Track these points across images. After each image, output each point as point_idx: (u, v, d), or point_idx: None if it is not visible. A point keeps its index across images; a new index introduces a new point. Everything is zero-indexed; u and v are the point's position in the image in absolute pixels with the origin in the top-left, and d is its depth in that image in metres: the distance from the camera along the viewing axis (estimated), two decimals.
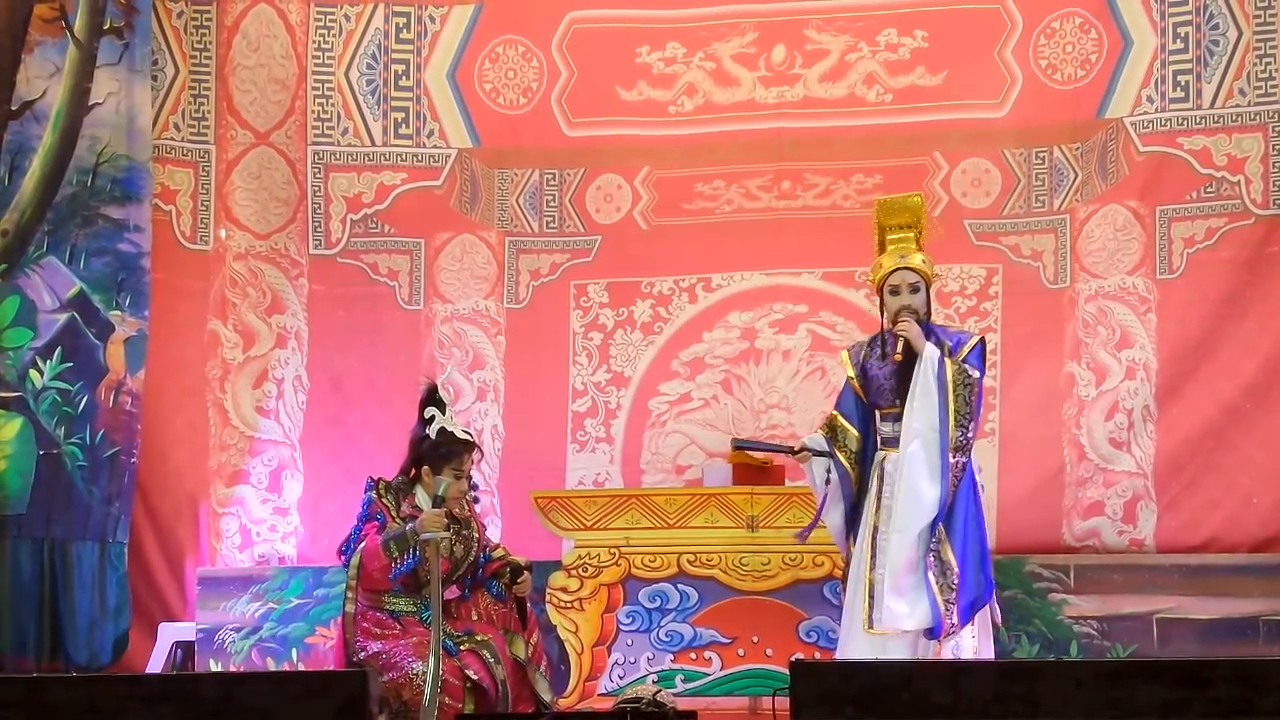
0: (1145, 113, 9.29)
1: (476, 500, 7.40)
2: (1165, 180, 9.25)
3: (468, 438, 7.19)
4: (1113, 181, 9.33)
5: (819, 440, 7.29)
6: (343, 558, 7.08)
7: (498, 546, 7.37)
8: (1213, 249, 9.17)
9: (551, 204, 9.76)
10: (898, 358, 7.14)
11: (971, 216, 9.48)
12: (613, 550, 8.32)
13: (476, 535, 7.22)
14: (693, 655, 8.29)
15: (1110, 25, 9.36)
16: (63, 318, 9.18)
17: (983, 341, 7.26)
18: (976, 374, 7.11)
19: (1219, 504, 9.04)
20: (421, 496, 7.10)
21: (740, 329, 9.63)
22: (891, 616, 6.99)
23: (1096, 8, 9.38)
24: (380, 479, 7.15)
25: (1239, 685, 5.06)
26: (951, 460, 7.02)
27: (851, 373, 7.32)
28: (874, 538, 7.13)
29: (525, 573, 7.19)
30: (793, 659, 6.64)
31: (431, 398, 7.20)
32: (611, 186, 9.76)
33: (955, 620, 6.96)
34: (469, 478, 7.20)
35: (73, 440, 9.10)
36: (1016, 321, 9.44)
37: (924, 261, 7.24)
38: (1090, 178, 9.37)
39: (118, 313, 9.22)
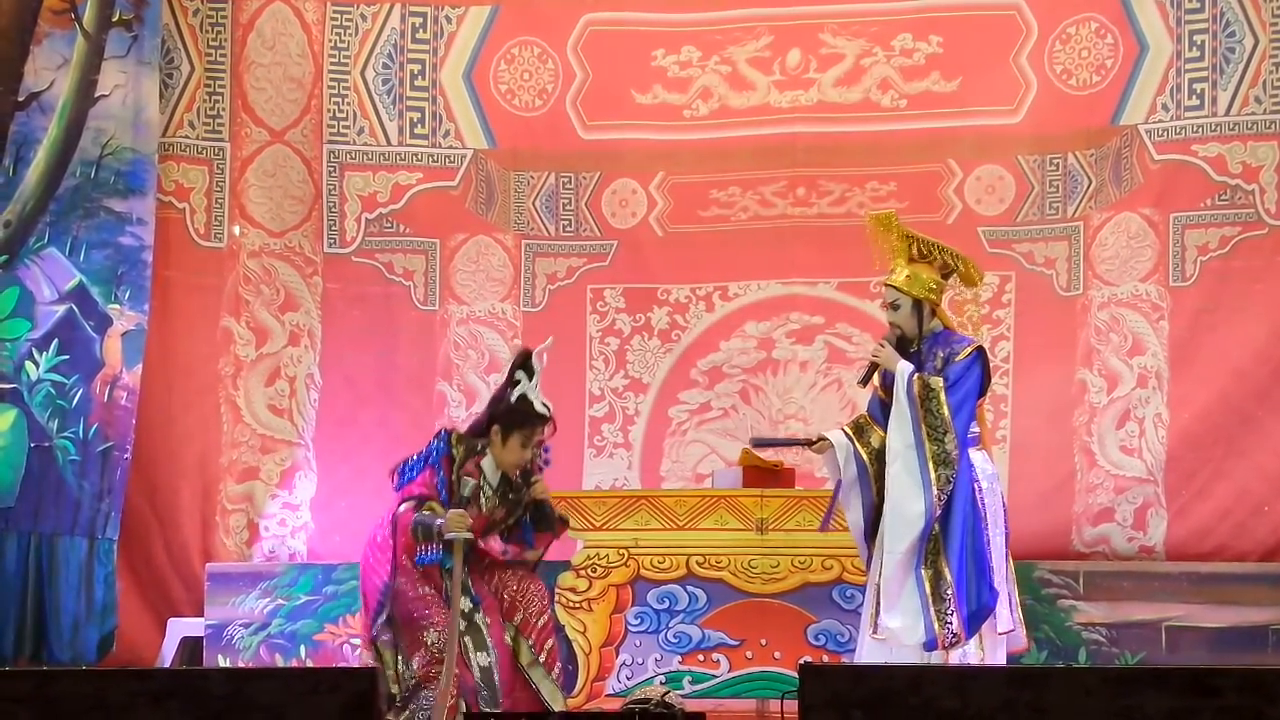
0: (1160, 120, 9.28)
1: (547, 463, 7.25)
2: (1179, 187, 9.24)
3: (545, 411, 7.12)
4: (1127, 189, 9.32)
5: (839, 436, 7.29)
6: (395, 480, 6.98)
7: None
8: (1226, 258, 9.16)
9: (568, 207, 9.77)
10: (859, 385, 7.35)
11: (985, 223, 9.48)
12: (622, 551, 8.32)
13: (525, 500, 7.10)
14: (701, 657, 8.28)
15: (1126, 31, 9.34)
16: (61, 310, 9.18)
17: (979, 350, 7.21)
18: (939, 382, 7.08)
19: (1230, 511, 9.03)
20: (489, 463, 7.03)
21: (757, 339, 9.64)
22: (887, 632, 7.03)
23: (1113, 13, 9.37)
24: (454, 430, 7.08)
25: (1248, 694, 5.04)
26: (934, 474, 7.03)
27: (877, 381, 7.34)
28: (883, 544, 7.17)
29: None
30: (801, 662, 6.64)
31: (524, 363, 7.12)
32: (627, 191, 9.76)
33: (957, 631, 6.97)
34: (538, 448, 7.08)
35: (65, 434, 9.09)
36: (1029, 329, 9.42)
37: (908, 278, 7.23)
38: (1104, 185, 9.35)
39: (116, 306, 9.21)
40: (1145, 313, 9.25)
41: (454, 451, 6.97)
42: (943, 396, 7.07)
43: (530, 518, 7.09)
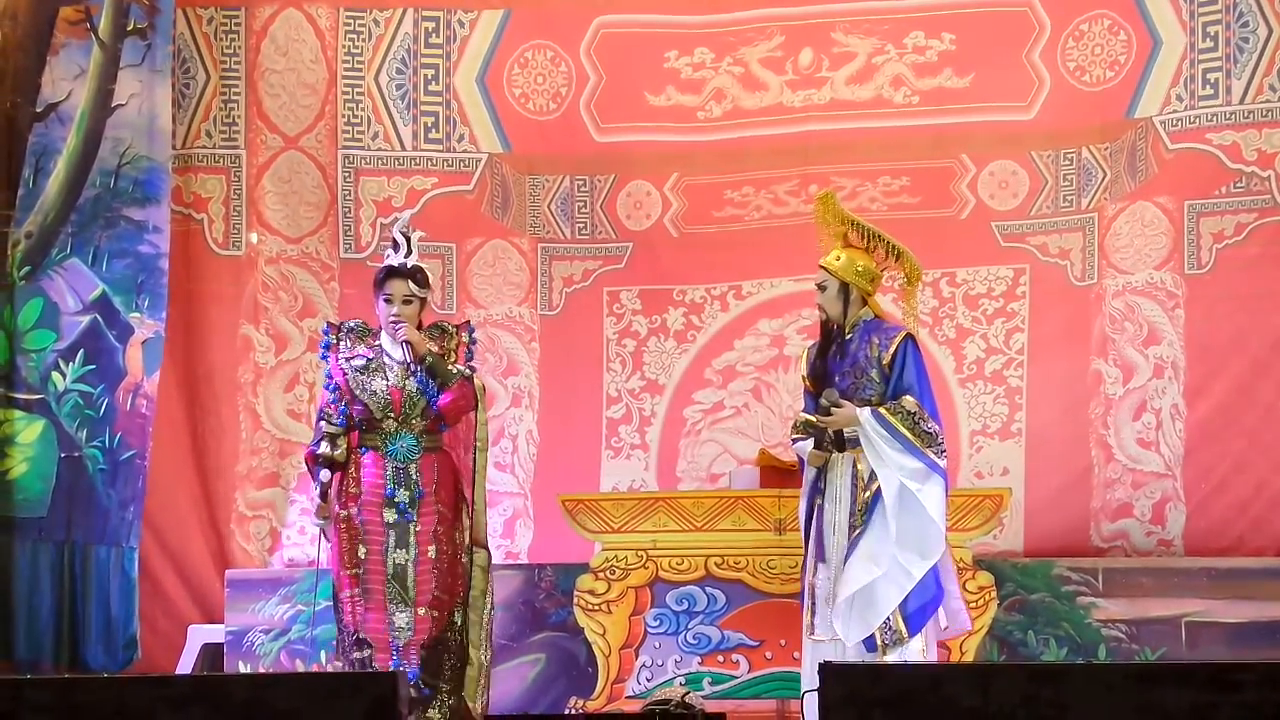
0: (1175, 111, 9.27)
1: (473, 369, 7.31)
2: (1194, 175, 9.23)
3: (394, 263, 7.26)
4: (1141, 180, 9.32)
5: (802, 445, 7.26)
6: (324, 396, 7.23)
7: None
8: (1241, 245, 9.15)
9: (583, 210, 9.77)
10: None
11: (999, 218, 9.48)
12: (640, 553, 8.32)
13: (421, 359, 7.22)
14: (720, 658, 8.29)
15: (1139, 25, 9.34)
16: (85, 320, 9.21)
17: (909, 337, 7.15)
18: (910, 400, 6.99)
19: (1248, 505, 9.01)
20: (387, 341, 7.22)
21: (770, 336, 9.64)
22: (829, 633, 7.00)
23: (1125, 9, 9.36)
24: (340, 324, 7.35)
25: (1269, 689, 5.05)
26: (941, 464, 7.00)
27: (803, 372, 7.33)
28: (820, 542, 7.10)
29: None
30: (821, 661, 6.65)
31: (394, 239, 7.34)
32: (641, 193, 9.77)
33: (898, 629, 6.93)
34: (406, 301, 7.21)
35: (94, 443, 9.12)
36: (1044, 320, 9.42)
37: (838, 260, 7.20)
38: (1119, 176, 9.35)
39: (137, 315, 9.23)
40: (1161, 301, 9.24)
41: (338, 342, 7.24)
42: (921, 409, 7.02)
43: (427, 375, 7.22)
